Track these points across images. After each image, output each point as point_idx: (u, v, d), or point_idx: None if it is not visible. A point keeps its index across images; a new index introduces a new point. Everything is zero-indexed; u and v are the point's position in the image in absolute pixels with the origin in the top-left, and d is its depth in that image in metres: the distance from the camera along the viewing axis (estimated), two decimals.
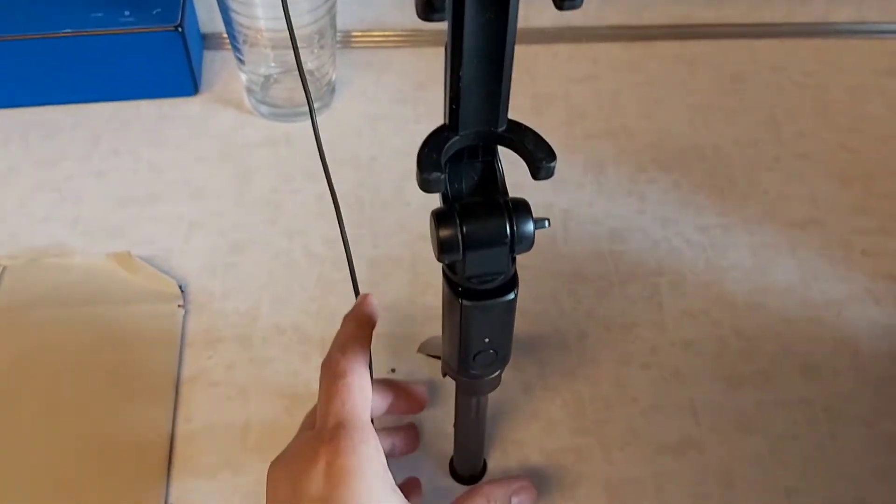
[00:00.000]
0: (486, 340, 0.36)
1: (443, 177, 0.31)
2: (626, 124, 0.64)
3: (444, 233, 0.32)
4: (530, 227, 0.32)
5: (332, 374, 0.38)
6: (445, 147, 0.32)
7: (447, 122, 0.32)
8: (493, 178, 0.35)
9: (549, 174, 0.33)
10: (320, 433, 0.37)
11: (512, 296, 0.35)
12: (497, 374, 0.39)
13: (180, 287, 0.54)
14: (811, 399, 0.50)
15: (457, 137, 0.32)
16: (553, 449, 0.48)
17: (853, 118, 0.65)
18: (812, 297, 0.54)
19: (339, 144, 0.63)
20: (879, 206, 0.59)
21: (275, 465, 0.38)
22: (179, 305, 0.54)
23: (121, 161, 0.62)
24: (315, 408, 0.41)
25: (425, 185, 0.31)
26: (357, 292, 0.47)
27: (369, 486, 0.35)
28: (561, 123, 0.64)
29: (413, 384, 0.48)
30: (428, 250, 0.56)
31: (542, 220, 0.34)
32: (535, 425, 0.49)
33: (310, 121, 0.44)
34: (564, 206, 0.59)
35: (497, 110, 0.32)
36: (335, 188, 0.46)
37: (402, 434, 0.47)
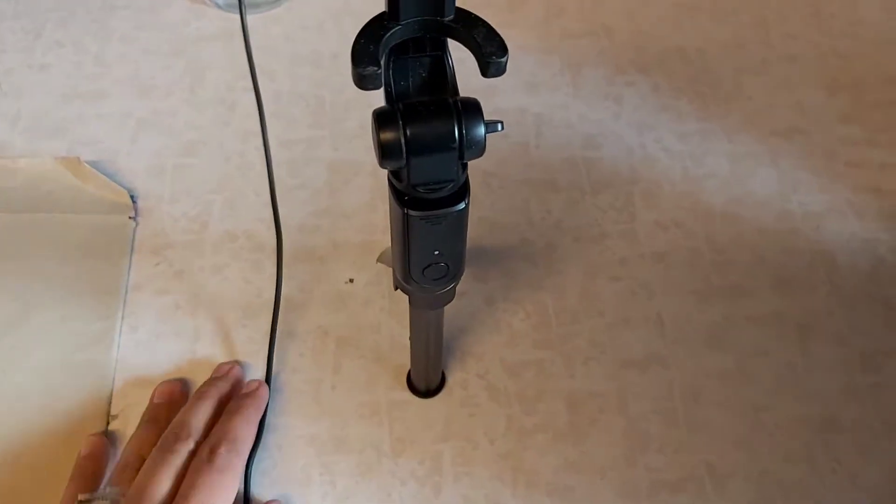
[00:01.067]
0: (436, 253, 0.34)
1: (378, 71, 0.27)
2: (606, 23, 0.60)
3: (386, 135, 0.29)
4: (481, 130, 0.29)
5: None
6: (385, 38, 0.28)
7: (387, 8, 0.28)
8: (442, 76, 0.31)
9: (499, 71, 0.29)
10: None
11: (462, 205, 0.31)
12: (450, 288, 0.36)
13: (132, 197, 0.51)
14: (783, 314, 0.48)
15: (398, 27, 0.28)
16: (515, 362, 0.47)
17: (846, 22, 0.61)
18: (791, 209, 0.52)
19: (299, 40, 0.59)
20: (868, 115, 0.56)
21: None
22: (130, 217, 0.51)
23: (65, 54, 0.58)
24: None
25: (359, 81, 0.28)
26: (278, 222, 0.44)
27: None
28: (537, 21, 0.60)
29: None
30: None
31: (495, 122, 0.31)
32: (496, 337, 0.47)
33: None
34: (537, 110, 0.56)
35: None
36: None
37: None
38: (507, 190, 0.53)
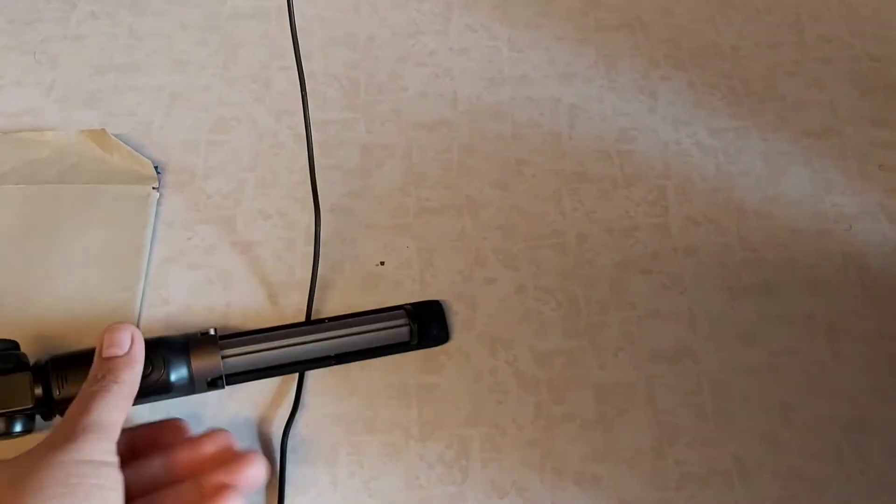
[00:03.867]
0: None
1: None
2: (642, 17, 0.60)
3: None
4: None
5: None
6: None
7: None
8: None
9: None
10: None
11: None
12: None
13: (156, 168, 0.51)
14: (814, 314, 0.48)
15: None
16: (544, 350, 0.47)
17: (880, 25, 0.61)
18: (823, 209, 0.52)
19: (334, 21, 0.59)
20: None
21: None
22: (154, 188, 0.51)
23: (99, 25, 0.58)
24: None
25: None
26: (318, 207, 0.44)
27: None
28: (574, 12, 0.60)
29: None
30: (424, 139, 0.54)
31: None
32: (526, 326, 0.47)
33: None
34: (572, 101, 0.56)
35: None
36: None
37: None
38: (539, 179, 0.53)
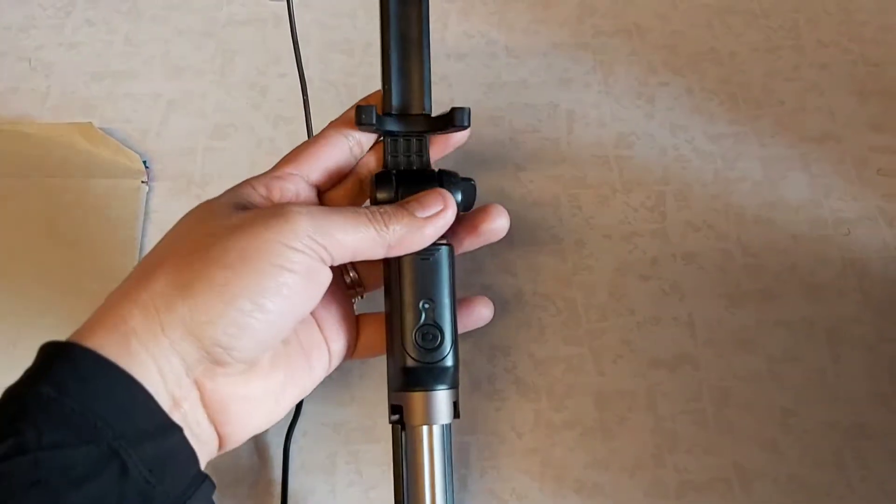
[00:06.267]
0: (425, 305, 0.38)
1: (373, 110, 0.39)
2: (639, 23, 0.60)
3: (382, 195, 0.38)
4: (458, 196, 0.39)
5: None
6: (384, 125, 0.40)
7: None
8: (423, 151, 0.41)
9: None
10: None
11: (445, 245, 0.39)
12: (442, 362, 0.38)
13: (144, 162, 0.51)
14: (814, 320, 0.48)
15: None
16: (543, 357, 0.46)
17: (878, 29, 0.61)
18: (822, 215, 0.52)
19: (332, 27, 0.59)
20: None
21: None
22: (143, 181, 0.51)
23: (95, 32, 0.58)
24: None
25: (360, 120, 0.39)
26: None
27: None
28: (571, 18, 0.60)
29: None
30: None
31: (469, 181, 0.40)
32: (525, 332, 0.47)
33: None
34: (570, 107, 0.55)
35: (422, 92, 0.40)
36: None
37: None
38: (536, 184, 0.52)
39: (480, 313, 0.42)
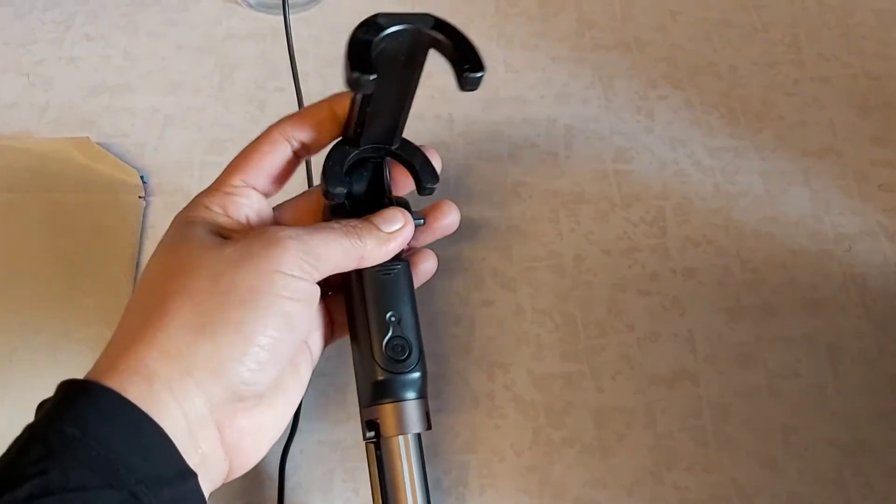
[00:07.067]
0: (391, 317, 0.38)
1: (344, 191, 0.37)
2: (638, 36, 0.60)
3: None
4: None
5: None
6: (347, 160, 0.38)
7: (348, 137, 0.38)
8: (380, 177, 0.41)
9: (431, 193, 0.40)
10: None
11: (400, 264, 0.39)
12: (414, 375, 0.38)
13: (142, 177, 0.51)
14: (814, 335, 0.47)
15: (356, 151, 0.38)
16: (542, 374, 0.46)
17: (878, 43, 0.61)
18: (823, 229, 0.51)
19: (329, 42, 0.59)
20: None
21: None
22: (140, 196, 0.51)
23: (93, 47, 0.58)
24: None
25: (329, 197, 0.38)
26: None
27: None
28: (570, 32, 0.60)
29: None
30: None
31: (419, 217, 0.41)
32: (524, 349, 0.47)
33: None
34: (568, 121, 0.55)
35: (393, 134, 0.39)
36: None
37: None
38: (535, 199, 0.52)
39: (426, 268, 0.43)
